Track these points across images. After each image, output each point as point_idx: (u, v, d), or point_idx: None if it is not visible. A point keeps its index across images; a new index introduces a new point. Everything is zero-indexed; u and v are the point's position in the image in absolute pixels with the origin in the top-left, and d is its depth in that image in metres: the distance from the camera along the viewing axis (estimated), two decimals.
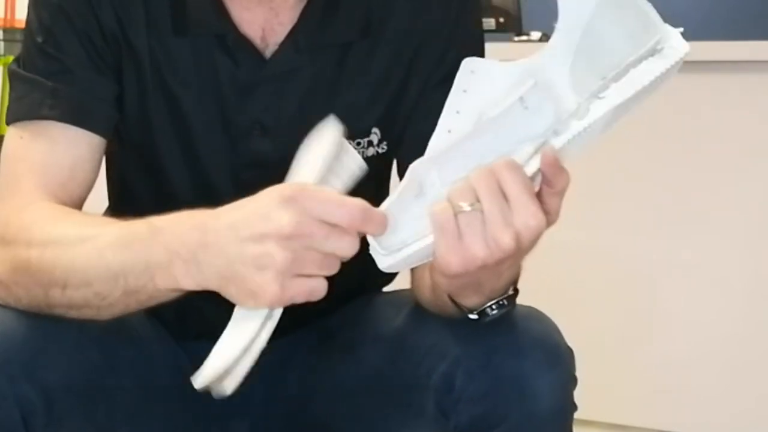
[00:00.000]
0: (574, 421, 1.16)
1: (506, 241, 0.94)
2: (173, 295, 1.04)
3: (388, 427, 1.20)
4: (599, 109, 0.95)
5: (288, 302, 0.97)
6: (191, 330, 1.30)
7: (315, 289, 0.97)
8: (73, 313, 1.08)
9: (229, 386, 0.99)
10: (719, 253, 2.68)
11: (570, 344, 1.15)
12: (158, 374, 1.23)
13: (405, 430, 1.18)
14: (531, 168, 0.96)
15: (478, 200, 0.95)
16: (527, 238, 0.95)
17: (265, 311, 0.98)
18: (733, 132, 2.66)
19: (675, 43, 0.94)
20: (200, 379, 0.98)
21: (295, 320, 1.34)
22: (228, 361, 0.97)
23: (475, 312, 1.09)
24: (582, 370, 1.17)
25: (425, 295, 1.18)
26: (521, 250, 0.96)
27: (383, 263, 1.00)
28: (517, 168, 0.95)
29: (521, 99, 0.96)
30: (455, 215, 0.95)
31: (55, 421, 1.07)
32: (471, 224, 0.95)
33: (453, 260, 0.96)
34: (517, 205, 0.94)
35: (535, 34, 3.05)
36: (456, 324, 1.14)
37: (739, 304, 2.67)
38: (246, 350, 0.98)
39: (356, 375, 1.23)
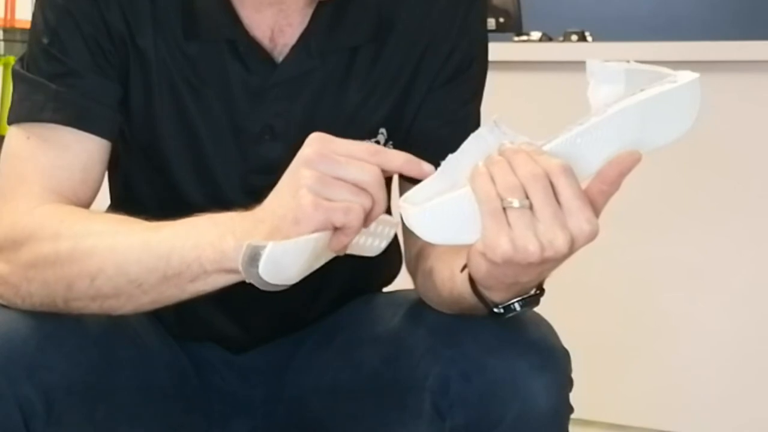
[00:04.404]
0: (574, 422, 1.15)
1: (560, 243, 0.94)
2: (215, 282, 1.05)
3: (386, 428, 1.20)
4: (612, 109, 0.99)
5: (327, 222, 0.99)
6: (190, 330, 1.30)
7: (350, 209, 0.99)
8: (94, 306, 1.09)
9: (272, 273, 1.00)
10: (720, 253, 2.68)
11: (571, 344, 1.15)
12: (158, 374, 1.23)
13: (403, 431, 1.18)
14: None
15: (527, 197, 0.95)
16: (580, 242, 0.96)
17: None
18: (737, 133, 2.66)
19: (687, 73, 1.00)
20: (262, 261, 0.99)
21: (295, 321, 1.35)
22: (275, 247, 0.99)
23: (500, 306, 1.08)
24: (582, 370, 1.16)
25: (439, 289, 1.17)
26: (570, 253, 0.96)
27: (408, 212, 0.99)
28: (571, 172, 0.95)
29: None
30: (504, 209, 0.95)
31: (55, 421, 1.07)
32: (520, 219, 0.95)
33: (503, 244, 0.95)
34: (572, 209, 0.95)
35: (535, 34, 3.04)
36: (452, 325, 1.14)
37: (740, 305, 2.67)
38: (299, 244, 0.99)
39: (355, 376, 1.23)
